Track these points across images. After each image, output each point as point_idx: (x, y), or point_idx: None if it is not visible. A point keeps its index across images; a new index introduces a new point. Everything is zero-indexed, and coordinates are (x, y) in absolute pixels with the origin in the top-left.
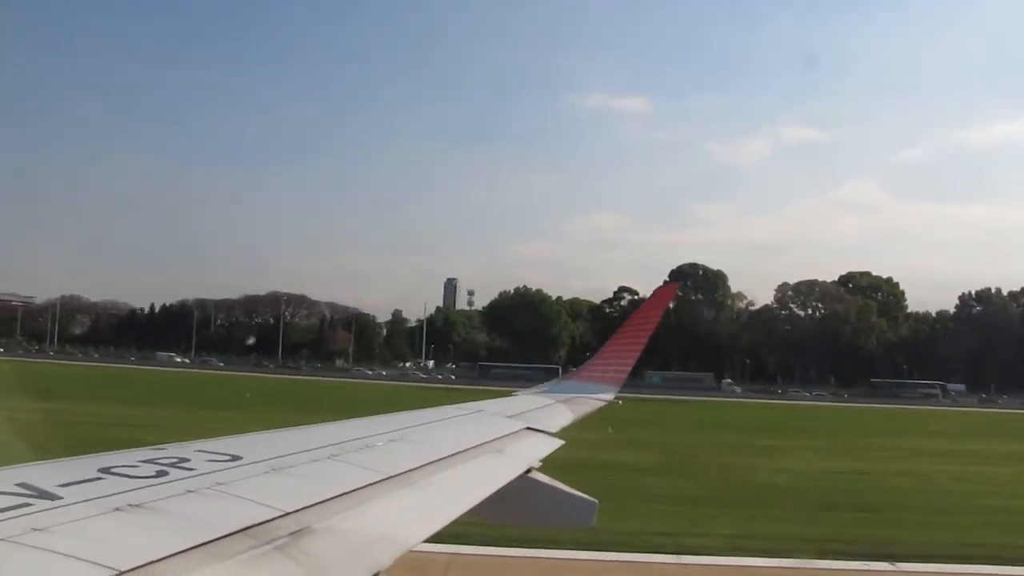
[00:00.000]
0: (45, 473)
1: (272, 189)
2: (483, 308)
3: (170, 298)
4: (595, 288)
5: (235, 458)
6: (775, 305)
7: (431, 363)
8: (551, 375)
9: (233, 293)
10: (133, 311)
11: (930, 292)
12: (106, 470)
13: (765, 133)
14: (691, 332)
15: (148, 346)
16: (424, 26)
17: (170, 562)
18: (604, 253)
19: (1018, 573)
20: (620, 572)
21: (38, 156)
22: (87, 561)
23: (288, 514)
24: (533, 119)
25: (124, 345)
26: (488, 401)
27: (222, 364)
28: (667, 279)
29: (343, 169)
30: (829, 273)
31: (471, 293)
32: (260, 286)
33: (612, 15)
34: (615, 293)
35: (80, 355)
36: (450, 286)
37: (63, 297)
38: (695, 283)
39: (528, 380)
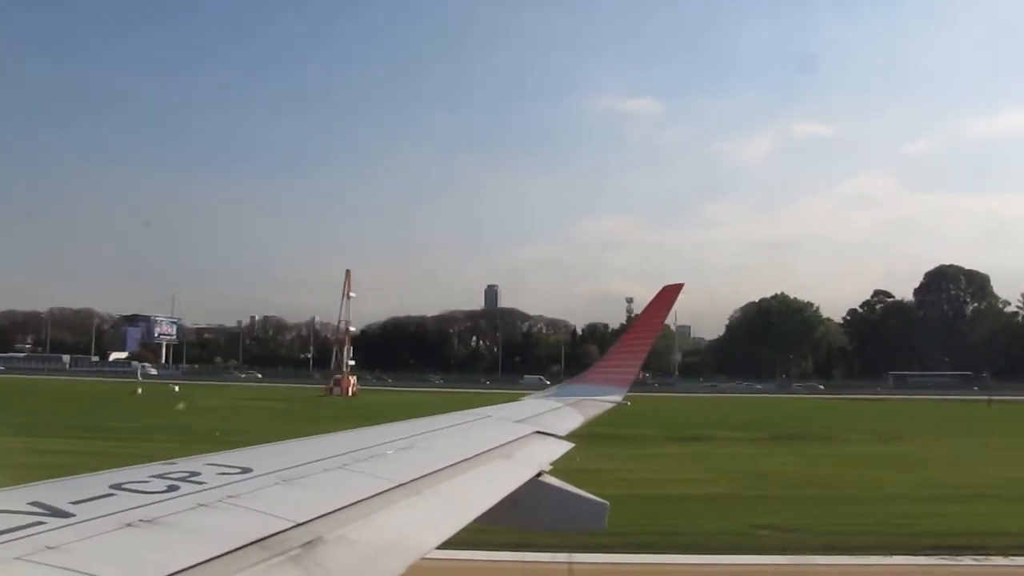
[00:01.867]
0: (57, 491)
1: (273, 200)
2: (731, 315)
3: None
4: (602, 290)
5: (246, 470)
6: None
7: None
8: (969, 382)
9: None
10: (364, 331)
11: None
12: (117, 486)
13: (773, 130)
14: (952, 333)
15: (375, 365)
16: (429, 30)
17: None
18: (612, 254)
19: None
20: (634, 574)
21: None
22: None
23: (300, 525)
24: (540, 121)
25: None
26: (496, 406)
27: (657, 385)
28: (923, 280)
29: (342, 177)
30: (841, 265)
31: (630, 300)
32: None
33: (617, 15)
34: (872, 296)
35: (390, 379)
36: (491, 292)
37: (265, 318)
38: (955, 284)
39: (944, 388)
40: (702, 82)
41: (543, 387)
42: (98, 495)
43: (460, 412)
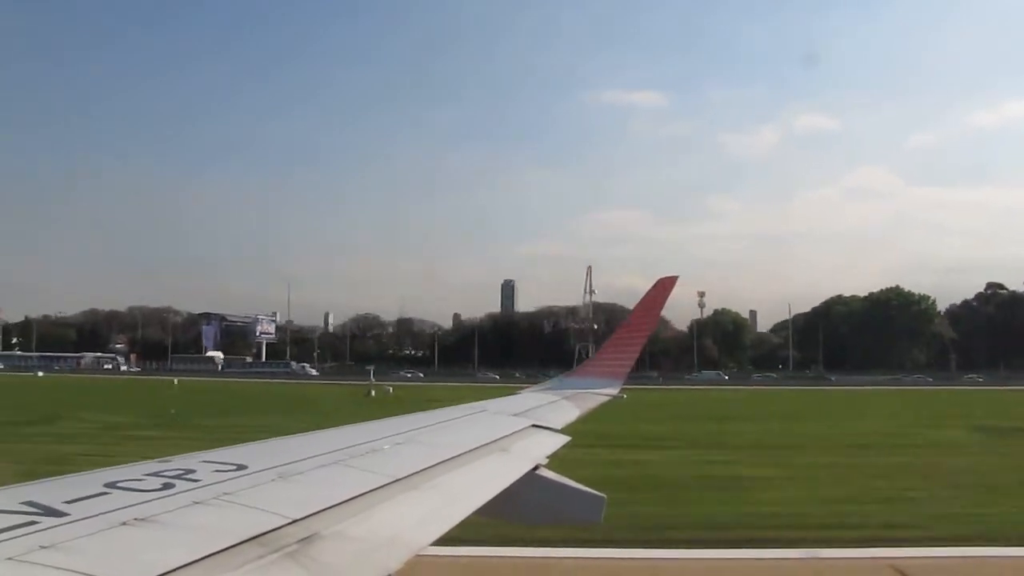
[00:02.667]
0: (51, 490)
1: (275, 195)
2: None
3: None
4: (606, 285)
5: (241, 467)
6: None
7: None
8: None
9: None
10: (475, 330)
11: (943, 275)
12: (112, 485)
13: (777, 123)
14: None
15: (481, 363)
16: (431, 25)
17: (179, 574)
18: (616, 249)
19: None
20: (635, 571)
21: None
22: None
23: (296, 521)
24: (543, 116)
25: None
26: (492, 400)
27: (833, 378)
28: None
29: (344, 173)
30: (847, 259)
31: (702, 295)
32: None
33: (622, 8)
34: (985, 288)
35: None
36: (508, 288)
37: (360, 316)
38: None
39: None
40: (707, 75)
41: (722, 381)
42: (92, 494)
43: (456, 407)
